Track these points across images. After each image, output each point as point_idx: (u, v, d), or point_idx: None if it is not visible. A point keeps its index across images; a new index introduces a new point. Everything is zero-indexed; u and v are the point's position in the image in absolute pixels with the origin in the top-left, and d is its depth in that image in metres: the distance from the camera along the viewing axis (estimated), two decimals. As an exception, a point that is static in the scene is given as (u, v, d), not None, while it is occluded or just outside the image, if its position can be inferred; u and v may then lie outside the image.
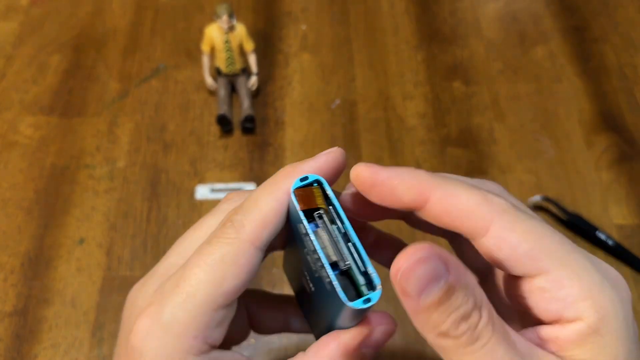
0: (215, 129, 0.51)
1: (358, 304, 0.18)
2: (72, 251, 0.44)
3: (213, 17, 0.50)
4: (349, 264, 0.19)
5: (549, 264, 0.18)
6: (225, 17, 0.48)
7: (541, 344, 0.19)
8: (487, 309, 0.18)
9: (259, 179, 0.48)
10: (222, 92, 0.51)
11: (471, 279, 0.18)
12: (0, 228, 0.45)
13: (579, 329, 0.18)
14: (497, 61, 0.56)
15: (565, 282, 0.18)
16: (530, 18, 0.60)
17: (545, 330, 0.19)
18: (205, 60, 0.52)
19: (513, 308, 0.21)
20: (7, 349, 0.40)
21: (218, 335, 0.20)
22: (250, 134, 0.51)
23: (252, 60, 0.52)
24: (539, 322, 0.20)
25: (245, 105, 0.51)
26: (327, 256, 0.19)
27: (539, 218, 0.20)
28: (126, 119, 0.52)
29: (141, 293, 0.21)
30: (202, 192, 0.47)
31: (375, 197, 0.20)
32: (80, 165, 0.49)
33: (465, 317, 0.17)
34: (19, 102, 0.53)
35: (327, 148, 0.54)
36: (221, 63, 0.51)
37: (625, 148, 0.50)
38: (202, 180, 0.48)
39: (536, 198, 0.46)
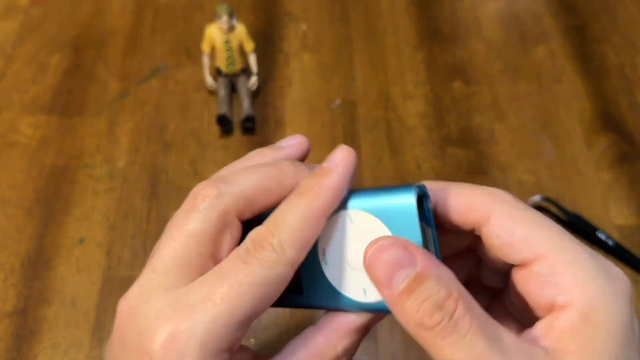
0: (215, 128, 0.51)
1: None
2: (72, 251, 0.44)
3: (213, 17, 0.50)
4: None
5: (545, 250, 0.19)
6: (225, 17, 0.48)
7: (538, 339, 0.19)
8: (466, 301, 0.18)
9: (259, 179, 0.48)
10: (222, 92, 0.51)
11: (446, 271, 0.19)
12: (0, 228, 0.45)
13: (570, 316, 0.19)
14: (498, 61, 0.56)
15: (559, 268, 0.19)
16: (531, 18, 0.60)
17: (542, 324, 0.19)
18: (206, 60, 0.52)
19: (521, 307, 0.21)
20: (7, 349, 0.40)
21: (238, 343, 0.20)
22: (250, 134, 0.51)
23: (252, 60, 0.52)
24: (537, 314, 0.20)
25: (245, 105, 0.51)
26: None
27: (540, 213, 0.20)
28: (126, 119, 0.52)
29: (149, 307, 0.20)
30: (202, 192, 0.47)
31: None
32: (80, 165, 0.49)
33: (438, 306, 0.18)
34: (18, 102, 0.53)
35: (328, 148, 0.54)
36: (221, 63, 0.51)
37: (626, 148, 0.50)
38: (202, 180, 0.48)
39: (536, 198, 0.46)
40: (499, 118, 0.52)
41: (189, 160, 0.49)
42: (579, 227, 0.44)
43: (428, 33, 0.58)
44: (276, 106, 0.53)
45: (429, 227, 0.21)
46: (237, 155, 0.50)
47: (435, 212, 0.21)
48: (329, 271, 0.22)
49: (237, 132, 0.51)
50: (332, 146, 0.52)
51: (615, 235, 0.44)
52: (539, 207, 0.46)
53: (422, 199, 0.21)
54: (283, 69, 0.55)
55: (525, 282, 0.20)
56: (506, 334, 0.19)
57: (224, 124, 0.50)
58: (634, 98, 0.53)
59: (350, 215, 0.22)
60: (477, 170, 0.49)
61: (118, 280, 0.43)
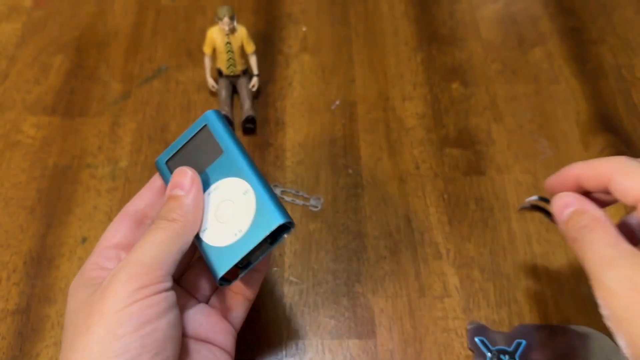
0: (216, 129, 0.51)
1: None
2: (75, 250, 0.44)
3: (214, 19, 0.50)
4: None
5: None
6: (226, 19, 0.49)
7: None
8: (602, 223, 0.28)
9: (259, 179, 0.48)
10: (223, 93, 0.52)
11: (594, 211, 0.30)
12: (3, 227, 0.46)
13: None
14: (496, 62, 0.57)
15: None
16: (529, 20, 0.60)
17: None
18: (207, 62, 0.52)
19: None
20: (10, 347, 0.40)
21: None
22: (251, 134, 0.51)
23: (253, 61, 0.52)
24: None
25: (246, 106, 0.51)
26: None
27: None
28: (128, 119, 0.52)
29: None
30: (203, 191, 0.48)
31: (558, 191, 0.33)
32: (82, 165, 0.49)
33: (582, 227, 0.29)
34: (21, 102, 0.53)
35: (327, 148, 0.54)
36: (222, 64, 0.51)
37: (622, 149, 0.51)
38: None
39: (533, 198, 0.46)
40: (497, 119, 0.53)
41: (190, 161, 0.49)
42: (575, 227, 0.44)
43: (427, 35, 0.59)
44: (277, 107, 0.53)
45: (270, 244, 0.31)
46: (238, 156, 0.50)
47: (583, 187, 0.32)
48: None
49: (238, 133, 0.51)
50: (331, 146, 0.53)
51: (612, 235, 0.45)
52: (536, 207, 0.47)
53: (286, 228, 0.30)
54: (283, 70, 0.56)
55: None
56: (626, 243, 0.27)
57: (225, 124, 0.50)
58: (631, 99, 0.54)
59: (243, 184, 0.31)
60: (474, 171, 0.49)
61: (120, 278, 0.43)
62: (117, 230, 0.32)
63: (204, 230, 0.31)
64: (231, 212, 0.30)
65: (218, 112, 0.33)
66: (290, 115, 0.53)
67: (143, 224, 0.33)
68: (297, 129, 0.52)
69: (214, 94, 0.54)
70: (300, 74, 0.56)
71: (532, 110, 0.53)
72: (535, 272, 0.43)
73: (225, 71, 0.52)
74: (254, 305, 0.41)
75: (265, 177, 0.32)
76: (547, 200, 0.46)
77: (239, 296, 0.35)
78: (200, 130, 0.33)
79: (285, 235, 0.31)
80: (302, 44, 0.58)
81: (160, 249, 0.29)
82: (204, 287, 0.35)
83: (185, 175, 0.31)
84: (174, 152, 0.34)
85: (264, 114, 0.53)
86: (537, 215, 0.46)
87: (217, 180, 0.31)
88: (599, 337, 0.39)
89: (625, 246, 0.27)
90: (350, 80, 0.55)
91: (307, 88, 0.55)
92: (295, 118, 0.52)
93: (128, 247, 0.32)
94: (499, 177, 0.49)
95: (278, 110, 0.53)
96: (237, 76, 0.52)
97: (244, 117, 0.51)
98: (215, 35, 0.50)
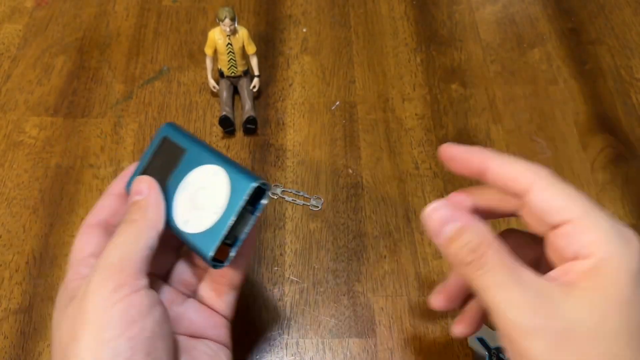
0: (217, 130, 0.52)
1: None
2: (77, 249, 0.45)
3: (215, 20, 0.51)
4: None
5: (575, 214, 0.24)
6: (227, 21, 0.49)
7: (555, 278, 0.24)
8: (493, 247, 0.25)
9: (260, 179, 0.49)
10: (225, 93, 0.52)
11: (482, 227, 0.25)
12: (6, 227, 0.46)
13: (587, 263, 0.24)
14: (495, 63, 0.57)
15: (585, 229, 0.24)
16: (527, 21, 0.61)
17: (561, 267, 0.25)
18: (208, 63, 0.52)
19: (552, 261, 0.26)
20: (12, 346, 0.40)
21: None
22: (252, 135, 0.52)
23: (254, 62, 0.52)
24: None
25: (247, 106, 0.52)
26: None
27: (571, 186, 0.26)
28: (130, 120, 0.53)
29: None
30: (205, 191, 0.48)
31: (453, 167, 0.28)
32: (84, 165, 0.49)
33: (473, 250, 0.25)
34: (24, 103, 0.54)
35: (328, 148, 0.55)
36: (223, 65, 0.52)
37: (621, 149, 0.51)
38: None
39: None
40: (496, 119, 0.53)
41: (191, 161, 0.50)
42: (574, 227, 0.45)
43: (426, 36, 0.59)
44: (277, 107, 0.54)
45: (252, 213, 0.31)
46: (239, 156, 0.51)
47: (487, 178, 0.27)
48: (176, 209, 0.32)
49: (239, 133, 0.52)
50: (331, 147, 0.53)
51: (610, 235, 0.45)
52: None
53: (263, 193, 0.31)
54: (284, 71, 0.56)
55: (557, 239, 0.25)
56: (526, 272, 0.24)
57: (226, 125, 0.51)
58: (629, 100, 0.54)
59: (213, 169, 0.32)
60: (474, 171, 0.49)
61: (122, 278, 0.43)
62: (87, 242, 0.33)
63: (186, 222, 0.32)
64: (207, 197, 0.31)
65: (172, 123, 0.35)
66: (290, 116, 0.53)
67: (110, 232, 0.33)
68: (297, 129, 0.52)
69: (215, 94, 0.54)
70: (301, 75, 0.56)
71: (531, 111, 0.53)
72: (533, 271, 0.44)
73: (226, 72, 0.52)
74: (255, 305, 0.42)
75: (238, 162, 0.34)
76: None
77: (226, 285, 0.35)
78: (160, 143, 0.35)
79: (264, 202, 0.31)
80: (302, 45, 0.58)
81: (125, 249, 0.30)
82: (191, 282, 0.36)
83: (141, 182, 0.33)
84: (141, 171, 0.35)
85: (264, 115, 0.53)
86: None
87: (186, 175, 0.32)
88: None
89: (528, 277, 0.24)
90: (350, 81, 0.56)
91: (308, 89, 0.55)
92: (295, 119, 0.53)
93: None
94: (498, 177, 0.49)
95: (279, 111, 0.53)
96: (238, 77, 0.53)
97: (244, 117, 0.51)
98: (217, 36, 0.50)
